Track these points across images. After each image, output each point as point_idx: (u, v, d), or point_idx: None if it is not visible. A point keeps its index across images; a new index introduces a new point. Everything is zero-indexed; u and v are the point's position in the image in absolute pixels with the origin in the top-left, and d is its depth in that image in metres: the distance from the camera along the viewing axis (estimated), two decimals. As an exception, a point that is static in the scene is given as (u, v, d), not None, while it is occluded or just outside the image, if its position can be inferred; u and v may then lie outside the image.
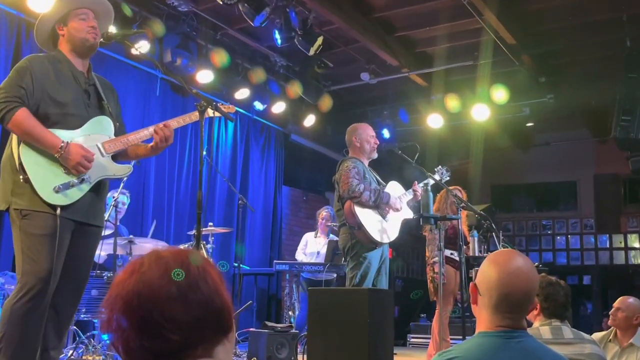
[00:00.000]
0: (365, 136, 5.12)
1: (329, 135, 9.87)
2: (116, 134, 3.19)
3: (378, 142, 5.18)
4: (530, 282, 1.85)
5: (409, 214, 5.18)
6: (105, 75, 3.48)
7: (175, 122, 3.32)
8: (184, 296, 1.06)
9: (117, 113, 3.30)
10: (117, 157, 3.22)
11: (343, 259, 5.06)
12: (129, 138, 3.18)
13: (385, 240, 4.88)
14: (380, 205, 4.90)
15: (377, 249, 4.87)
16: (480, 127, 9.51)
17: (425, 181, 5.43)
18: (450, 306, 5.94)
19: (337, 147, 5.38)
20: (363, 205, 4.81)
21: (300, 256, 7.79)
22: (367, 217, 4.82)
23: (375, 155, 5.15)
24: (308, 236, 7.93)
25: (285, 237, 9.68)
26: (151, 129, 3.22)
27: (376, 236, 4.79)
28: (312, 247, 7.73)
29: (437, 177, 5.37)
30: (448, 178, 5.55)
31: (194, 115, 3.34)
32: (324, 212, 7.75)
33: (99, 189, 3.10)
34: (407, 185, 5.33)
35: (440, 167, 5.55)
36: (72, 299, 3.05)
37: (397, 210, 4.99)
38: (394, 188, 5.18)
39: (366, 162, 5.11)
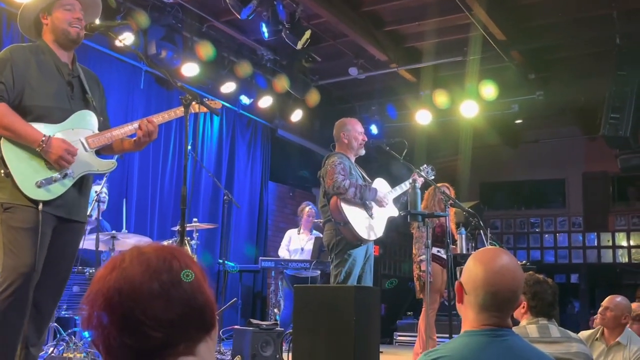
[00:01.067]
0: (354, 132, 5.12)
1: (317, 130, 9.87)
2: (100, 129, 3.17)
3: (366, 139, 5.19)
4: (516, 280, 1.87)
5: (395, 212, 5.21)
6: (90, 67, 3.45)
7: (160, 118, 3.30)
8: (166, 293, 1.05)
9: (101, 107, 3.28)
10: (101, 151, 3.21)
11: (329, 256, 5.07)
12: (113, 133, 3.16)
13: (372, 237, 4.90)
14: (366, 201, 4.92)
15: (362, 246, 4.89)
16: (469, 124, 9.55)
17: (424, 166, 5.47)
18: (436, 304, 5.97)
19: (325, 143, 5.38)
20: (349, 201, 4.82)
21: (284, 252, 7.79)
22: (354, 214, 4.83)
23: (362, 152, 5.17)
24: (291, 232, 7.94)
25: (271, 233, 9.68)
26: (136, 124, 3.20)
27: (362, 233, 4.80)
28: (295, 243, 7.74)
29: (423, 174, 5.39)
30: (433, 177, 5.57)
31: (179, 111, 3.32)
32: (307, 208, 7.77)
33: (82, 184, 3.08)
34: (393, 183, 5.35)
35: (425, 165, 5.56)
36: (53, 295, 3.03)
37: (382, 206, 5.01)
38: (380, 185, 5.20)
39: (353, 159, 5.12)
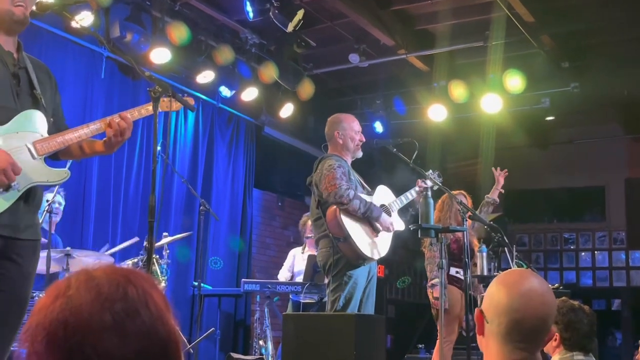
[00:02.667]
0: (350, 131, 5.12)
1: (310, 128, 9.86)
2: (51, 131, 3.13)
3: (364, 140, 5.19)
4: (545, 306, 1.86)
5: (401, 225, 5.20)
6: (40, 53, 3.44)
7: (136, 113, 3.29)
8: (121, 325, 1.04)
9: (54, 104, 3.24)
10: (60, 156, 3.17)
11: (325, 277, 5.06)
12: (65, 137, 3.11)
13: (375, 256, 4.89)
14: (370, 220, 4.92)
15: (364, 266, 4.87)
16: (491, 121, 9.56)
17: (430, 172, 5.44)
18: (454, 335, 5.95)
19: (320, 143, 5.37)
20: (350, 214, 4.80)
21: (285, 275, 7.79)
22: (355, 228, 4.82)
23: (359, 154, 5.17)
24: (295, 252, 7.94)
25: (256, 250, 9.66)
26: (94, 125, 3.18)
27: (366, 250, 4.79)
28: (300, 264, 7.72)
29: (429, 182, 5.37)
30: (439, 184, 5.56)
31: (148, 108, 3.31)
32: (309, 222, 7.72)
33: (30, 197, 3.04)
34: (397, 191, 5.35)
35: (431, 171, 5.55)
36: (7, 334, 2.95)
37: (387, 230, 5.01)
38: (383, 194, 5.19)
39: (349, 162, 5.12)
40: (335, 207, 4.80)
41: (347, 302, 4.78)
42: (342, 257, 4.81)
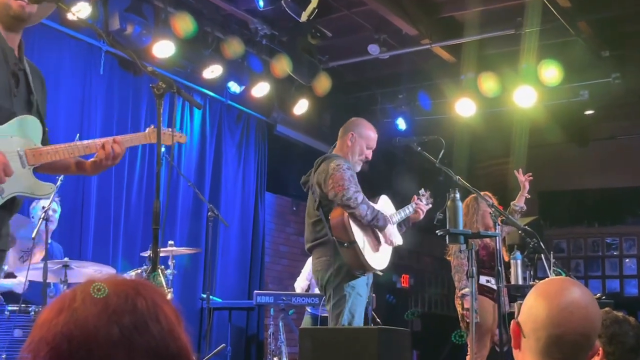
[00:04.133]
0: (363, 140, 5.15)
1: (326, 126, 9.86)
2: (43, 142, 3.18)
3: (370, 158, 5.23)
4: (588, 320, 1.85)
5: (399, 240, 5.23)
6: (33, 48, 3.48)
7: (129, 139, 3.32)
8: (129, 340, 1.05)
9: (44, 111, 3.29)
10: (39, 169, 3.21)
11: (324, 290, 5.02)
12: (58, 151, 3.15)
13: (377, 267, 4.92)
14: (375, 228, 4.93)
15: (362, 277, 4.90)
16: (524, 116, 9.52)
17: (422, 192, 5.49)
18: (485, 350, 5.94)
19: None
20: (355, 220, 4.82)
21: (303, 283, 7.79)
22: (361, 236, 4.85)
23: (357, 169, 5.19)
24: None
25: (269, 259, 9.66)
26: (91, 143, 3.22)
27: (370, 260, 4.81)
28: None
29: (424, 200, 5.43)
30: (430, 205, 5.59)
31: (151, 136, 3.38)
32: None
33: (12, 206, 3.08)
34: (398, 202, 5.37)
35: (422, 190, 5.61)
36: None
37: (390, 244, 5.02)
38: (384, 205, 5.22)
39: None
40: (342, 209, 4.81)
41: (352, 316, 4.79)
42: (342, 266, 4.81)
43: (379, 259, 4.95)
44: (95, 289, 1.06)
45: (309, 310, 7.64)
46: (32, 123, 3.10)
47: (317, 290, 7.61)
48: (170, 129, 3.45)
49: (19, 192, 3.04)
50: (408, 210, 5.36)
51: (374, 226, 4.91)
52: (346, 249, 4.78)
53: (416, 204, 5.37)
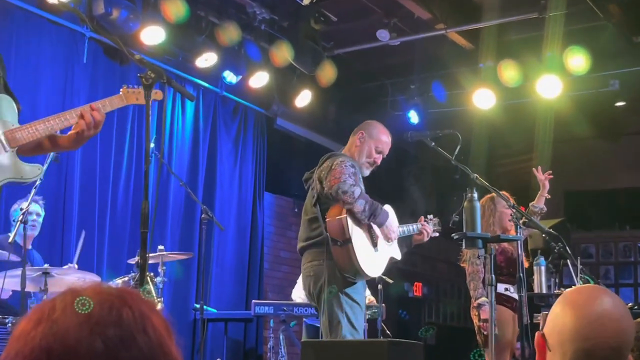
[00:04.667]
0: (373, 144, 5.17)
1: (331, 119, 9.86)
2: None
3: (378, 163, 5.24)
4: (621, 333, 1.84)
5: (397, 254, 5.25)
6: (11, 34, 3.48)
7: (107, 103, 3.32)
8: (114, 354, 1.04)
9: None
10: (18, 151, 3.21)
11: (316, 300, 5.02)
12: (37, 128, 3.16)
13: (370, 274, 4.93)
14: (374, 224, 4.93)
15: (358, 283, 4.89)
16: (548, 108, 9.50)
17: (430, 217, 5.54)
18: (505, 365, 5.93)
19: (342, 137, 5.39)
20: (354, 217, 4.83)
21: (300, 292, 7.79)
22: (357, 236, 4.85)
23: (365, 173, 5.20)
24: None
25: (268, 266, 9.66)
26: (69, 114, 3.21)
27: (363, 263, 4.81)
28: None
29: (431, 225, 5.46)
30: (438, 233, 5.62)
31: (135, 94, 3.35)
32: None
33: None
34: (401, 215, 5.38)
35: (431, 216, 5.65)
36: None
37: (389, 239, 5.03)
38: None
39: None
40: (339, 205, 4.83)
41: (354, 329, 4.78)
42: (337, 271, 4.80)
43: (373, 264, 4.95)
44: (80, 304, 1.06)
45: (306, 320, 7.62)
46: (5, 103, 3.11)
47: None
48: (140, 87, 3.35)
49: (8, 178, 3.05)
50: (412, 228, 5.40)
51: (375, 220, 4.91)
52: (339, 248, 4.78)
53: (422, 224, 5.39)
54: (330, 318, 4.80)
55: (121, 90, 3.40)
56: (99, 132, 3.28)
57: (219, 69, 8.22)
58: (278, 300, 7.86)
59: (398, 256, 5.30)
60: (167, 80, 3.15)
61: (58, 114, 3.25)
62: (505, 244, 6.02)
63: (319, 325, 7.39)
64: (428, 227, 5.45)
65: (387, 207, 5.27)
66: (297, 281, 7.98)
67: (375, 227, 4.99)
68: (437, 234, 5.64)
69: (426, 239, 5.43)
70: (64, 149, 3.38)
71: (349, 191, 4.77)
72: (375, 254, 5.00)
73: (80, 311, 1.06)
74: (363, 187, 5.06)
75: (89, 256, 7.12)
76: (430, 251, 11.40)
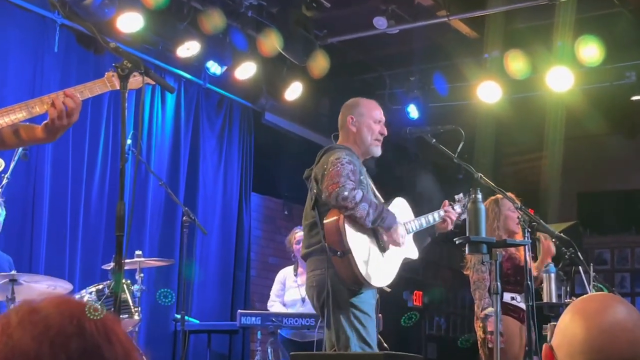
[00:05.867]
0: (367, 118, 5.11)
1: (324, 114, 9.86)
2: None
3: (385, 133, 5.18)
4: (635, 344, 1.84)
5: (414, 253, 5.17)
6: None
7: (84, 90, 3.30)
8: (79, 367, 1.04)
9: None
10: None
11: (320, 312, 4.98)
12: (2, 115, 3.14)
13: (376, 283, 4.82)
14: (380, 230, 4.86)
15: (365, 292, 4.83)
16: (559, 102, 9.52)
17: (459, 196, 5.44)
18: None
19: (336, 132, 5.36)
20: (355, 223, 4.75)
21: (277, 307, 7.76)
22: (358, 242, 4.77)
23: (376, 152, 5.16)
24: (285, 273, 7.87)
25: (255, 273, 9.66)
26: (39, 103, 3.19)
27: (365, 273, 4.71)
28: (292, 292, 7.68)
29: (458, 208, 5.39)
30: (464, 217, 5.58)
31: (112, 81, 3.33)
32: (297, 235, 7.67)
33: None
34: (419, 206, 5.34)
35: (460, 195, 5.56)
36: None
37: (396, 244, 4.94)
38: (399, 209, 5.17)
39: (360, 160, 5.09)
40: (338, 210, 4.76)
41: (364, 343, 4.74)
42: (337, 279, 4.76)
43: (381, 272, 4.87)
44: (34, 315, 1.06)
45: (281, 333, 7.55)
46: None
47: (301, 309, 7.57)
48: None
49: None
50: (432, 217, 5.29)
51: (381, 225, 4.84)
52: (339, 260, 4.71)
53: (445, 211, 5.30)
54: (337, 333, 4.74)
55: (106, 74, 3.34)
56: (73, 121, 3.21)
57: (202, 59, 8.21)
58: (266, 310, 7.84)
59: (414, 255, 5.21)
60: (145, 70, 3.14)
61: (24, 102, 3.22)
62: (513, 250, 6.02)
63: (297, 340, 7.39)
64: (452, 213, 5.31)
65: (399, 201, 5.22)
66: (271, 293, 7.93)
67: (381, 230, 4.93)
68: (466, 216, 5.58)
69: (450, 226, 5.30)
70: (32, 142, 3.35)
71: (349, 196, 4.67)
72: (382, 260, 4.90)
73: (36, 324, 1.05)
74: (367, 181, 5.02)
75: (60, 262, 7.11)
76: (432, 257, 11.40)
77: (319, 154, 5.10)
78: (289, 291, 7.74)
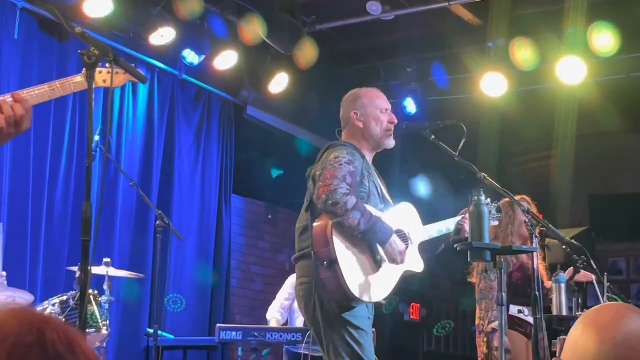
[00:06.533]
0: (373, 109, 5.08)
1: (313, 108, 9.86)
2: None
3: (395, 121, 5.15)
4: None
5: (418, 266, 5.09)
6: None
7: (35, 94, 3.26)
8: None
9: None
10: None
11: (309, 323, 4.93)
12: None
13: (367, 299, 4.73)
14: (372, 242, 4.79)
15: (359, 307, 4.76)
16: (570, 96, 9.55)
17: (459, 219, 5.37)
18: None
19: (326, 130, 5.34)
20: (344, 232, 4.69)
21: (276, 315, 7.79)
22: (348, 255, 4.69)
23: (390, 144, 5.12)
24: (294, 280, 7.89)
25: (236, 283, 9.66)
26: None
27: (354, 288, 4.62)
28: None
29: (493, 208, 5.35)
30: (497, 222, 5.52)
31: (76, 81, 3.31)
32: None
33: None
34: (430, 213, 5.32)
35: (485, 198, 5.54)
36: None
37: (393, 261, 4.85)
38: (404, 216, 5.12)
39: (371, 156, 5.07)
40: (327, 216, 4.71)
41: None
42: (325, 290, 4.69)
43: (374, 287, 4.77)
44: None
45: (289, 348, 7.61)
46: None
47: (299, 322, 7.58)
48: (106, 68, 3.31)
49: None
50: (445, 226, 5.20)
51: (371, 239, 4.73)
52: (326, 270, 4.64)
53: (465, 217, 5.05)
54: (328, 350, 4.69)
55: (83, 71, 3.28)
56: (23, 130, 3.15)
57: (178, 48, 8.21)
58: (248, 324, 7.85)
59: (418, 268, 5.09)
60: (114, 58, 3.12)
61: None
62: (525, 259, 5.99)
63: (302, 352, 7.38)
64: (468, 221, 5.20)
65: (405, 206, 5.16)
66: (278, 296, 7.96)
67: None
68: (497, 222, 5.51)
69: (466, 235, 4.99)
70: None
71: (340, 202, 4.56)
72: (377, 273, 4.79)
73: None
74: (376, 181, 4.99)
75: (20, 271, 7.08)
76: (430, 267, 11.41)
77: (321, 151, 5.06)
78: None
